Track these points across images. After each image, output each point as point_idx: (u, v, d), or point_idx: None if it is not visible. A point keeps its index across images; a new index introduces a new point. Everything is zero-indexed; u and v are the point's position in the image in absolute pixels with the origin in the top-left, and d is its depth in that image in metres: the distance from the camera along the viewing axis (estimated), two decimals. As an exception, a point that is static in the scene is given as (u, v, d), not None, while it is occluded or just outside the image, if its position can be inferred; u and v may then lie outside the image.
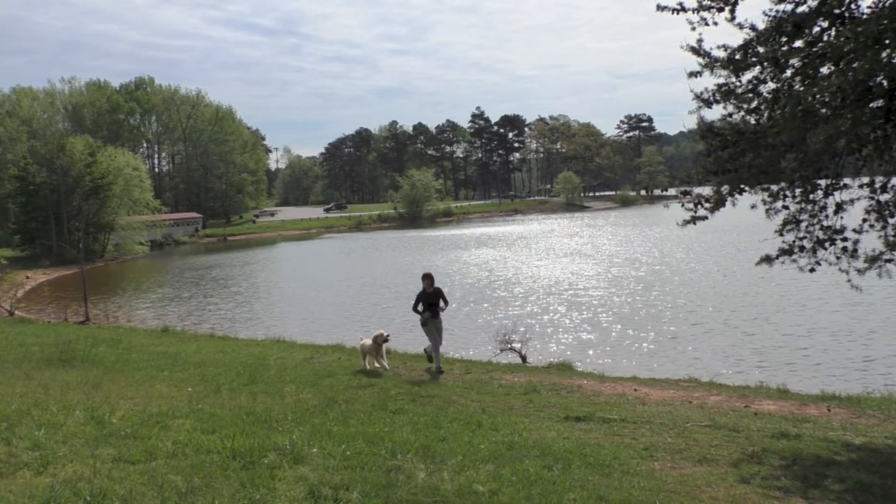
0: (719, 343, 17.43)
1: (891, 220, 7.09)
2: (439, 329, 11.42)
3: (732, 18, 7.14)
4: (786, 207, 7.53)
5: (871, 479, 5.57)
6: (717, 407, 8.63)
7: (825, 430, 7.32)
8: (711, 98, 7.34)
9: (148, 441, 5.99)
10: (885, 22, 5.77)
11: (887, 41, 5.84)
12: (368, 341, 11.36)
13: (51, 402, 7.59)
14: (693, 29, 7.25)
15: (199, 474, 5.06)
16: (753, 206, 7.66)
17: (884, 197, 7.12)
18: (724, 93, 7.24)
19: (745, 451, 6.46)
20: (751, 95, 7.18)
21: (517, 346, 15.01)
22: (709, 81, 7.32)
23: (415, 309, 11.31)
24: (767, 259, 7.67)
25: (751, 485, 5.47)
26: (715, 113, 7.66)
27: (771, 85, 7.06)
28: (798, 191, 7.41)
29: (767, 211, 7.61)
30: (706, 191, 7.64)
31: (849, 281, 7.38)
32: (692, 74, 7.39)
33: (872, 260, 7.15)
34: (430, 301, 11.15)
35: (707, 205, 7.53)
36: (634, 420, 7.75)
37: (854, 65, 6.01)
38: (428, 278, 11.25)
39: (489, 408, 8.47)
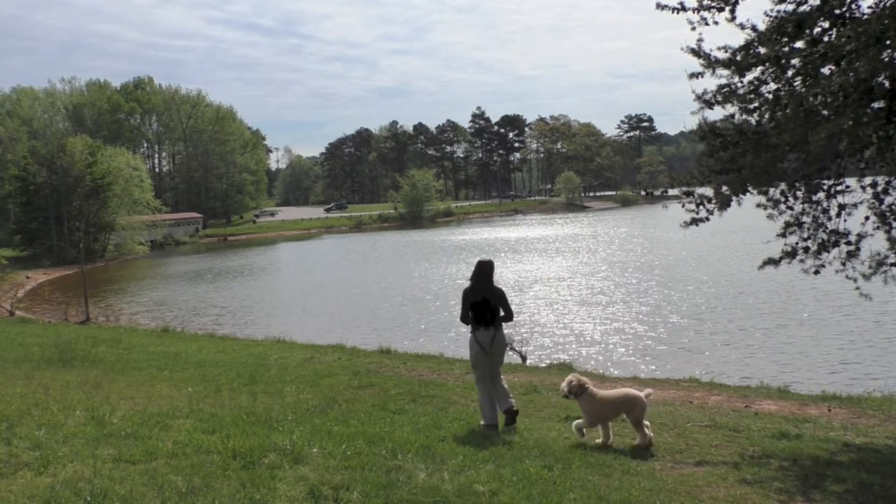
0: (720, 343, 17.42)
1: (895, 224, 7.05)
2: (497, 356, 6.97)
3: (733, 18, 7.13)
4: (790, 209, 7.49)
5: (871, 480, 5.56)
6: (717, 407, 8.61)
7: (826, 430, 7.31)
8: (713, 99, 7.33)
9: (148, 441, 5.98)
10: (887, 21, 5.77)
11: (888, 41, 5.83)
12: (634, 393, 6.57)
13: (51, 402, 7.59)
14: (693, 29, 7.24)
15: (200, 474, 5.05)
16: (762, 206, 7.61)
17: (887, 199, 7.09)
18: (726, 93, 7.23)
19: (746, 451, 6.45)
20: (752, 96, 7.16)
21: (517, 346, 15.01)
22: (710, 82, 7.31)
23: (464, 319, 7.09)
24: (771, 262, 7.64)
25: (751, 485, 5.46)
26: (716, 113, 7.64)
27: (772, 85, 7.05)
28: (800, 192, 7.38)
29: (769, 214, 7.58)
30: (708, 192, 7.61)
31: (857, 289, 7.27)
32: (693, 76, 7.37)
33: (878, 264, 7.09)
34: (482, 307, 6.88)
35: (710, 205, 7.50)
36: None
37: (855, 65, 6.00)
38: (482, 268, 7.04)
39: (489, 408, 8.45)
